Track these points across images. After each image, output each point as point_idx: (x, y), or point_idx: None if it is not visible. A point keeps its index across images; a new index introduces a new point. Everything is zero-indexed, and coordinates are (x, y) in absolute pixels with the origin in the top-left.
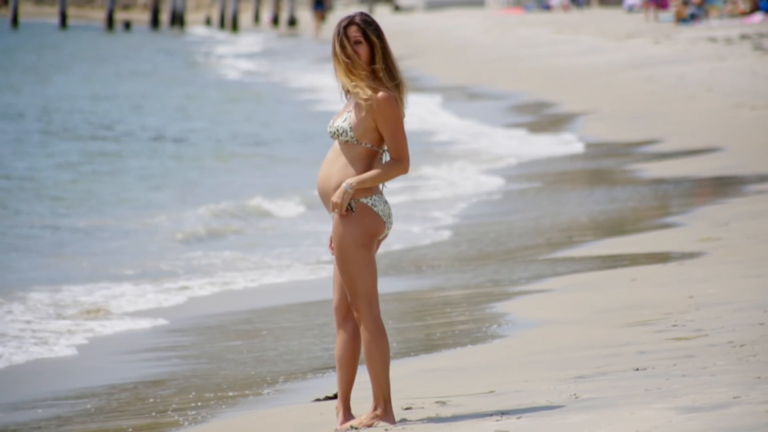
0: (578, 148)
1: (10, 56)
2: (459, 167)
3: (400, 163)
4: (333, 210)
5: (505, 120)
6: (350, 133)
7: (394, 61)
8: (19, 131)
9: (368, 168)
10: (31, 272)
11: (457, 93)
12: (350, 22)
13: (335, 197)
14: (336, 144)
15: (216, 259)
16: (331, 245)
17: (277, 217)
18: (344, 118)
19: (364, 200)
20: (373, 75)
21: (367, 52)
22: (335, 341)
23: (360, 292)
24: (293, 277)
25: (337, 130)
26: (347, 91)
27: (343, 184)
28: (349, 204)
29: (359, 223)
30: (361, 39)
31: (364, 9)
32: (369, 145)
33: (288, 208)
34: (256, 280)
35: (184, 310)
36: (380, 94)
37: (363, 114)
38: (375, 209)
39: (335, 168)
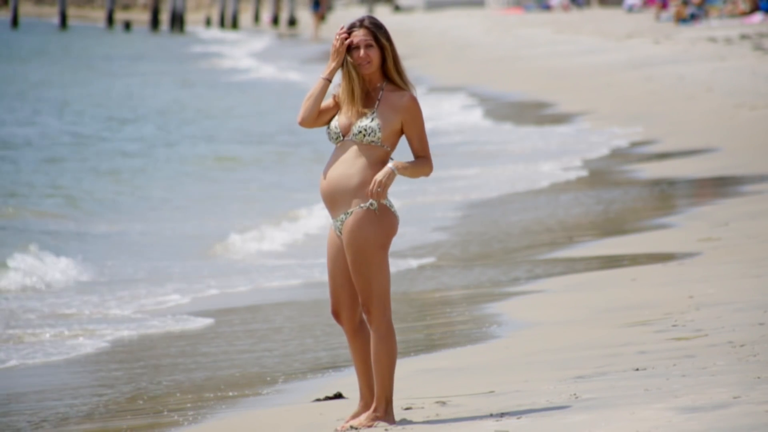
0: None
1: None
2: (473, 166)
3: (428, 161)
4: (374, 190)
5: (505, 119)
6: (378, 134)
7: (402, 64)
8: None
9: None
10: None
11: (462, 93)
12: (360, 26)
13: (381, 176)
14: (348, 145)
15: (234, 262)
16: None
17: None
18: (371, 118)
19: (384, 201)
20: (386, 78)
21: (378, 56)
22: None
23: (375, 294)
24: (297, 280)
25: (364, 130)
26: (353, 95)
27: (389, 166)
28: (373, 205)
29: (381, 224)
30: (372, 43)
31: (363, 9)
32: (388, 148)
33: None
34: (262, 281)
35: (184, 311)
36: (408, 95)
37: (391, 116)
38: (392, 210)
39: (354, 168)
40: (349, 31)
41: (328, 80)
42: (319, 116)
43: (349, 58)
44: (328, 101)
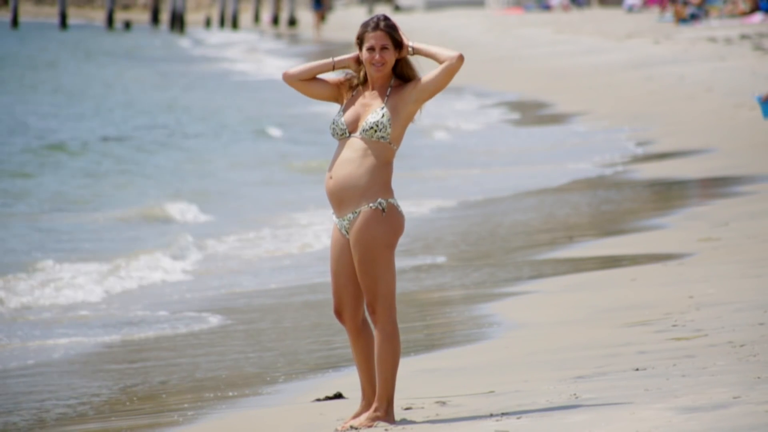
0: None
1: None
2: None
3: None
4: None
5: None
6: (388, 129)
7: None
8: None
9: (391, 173)
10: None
11: (467, 93)
12: (376, 27)
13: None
14: (355, 143)
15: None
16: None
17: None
18: (381, 114)
19: (392, 201)
20: (395, 76)
21: (392, 58)
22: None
23: (381, 294)
24: (297, 280)
25: (375, 126)
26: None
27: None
28: (381, 204)
29: (389, 224)
30: (388, 45)
31: (363, 9)
32: (394, 147)
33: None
34: (262, 282)
35: (184, 311)
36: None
37: (400, 107)
38: (399, 209)
39: (363, 168)
40: (364, 30)
41: (333, 66)
42: (308, 82)
43: (361, 58)
44: (333, 77)
